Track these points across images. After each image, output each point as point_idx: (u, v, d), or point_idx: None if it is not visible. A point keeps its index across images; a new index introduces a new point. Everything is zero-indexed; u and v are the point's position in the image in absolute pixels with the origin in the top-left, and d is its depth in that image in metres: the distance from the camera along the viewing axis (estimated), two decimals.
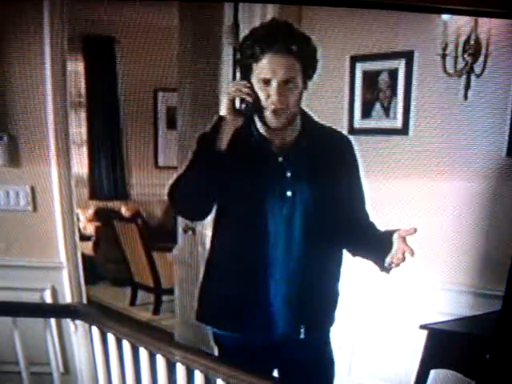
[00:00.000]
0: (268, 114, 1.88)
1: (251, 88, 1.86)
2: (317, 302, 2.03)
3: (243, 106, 1.85)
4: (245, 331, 2.02)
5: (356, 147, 2.05)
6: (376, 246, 1.98)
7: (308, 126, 1.98)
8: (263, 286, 1.98)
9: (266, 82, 1.85)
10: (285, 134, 1.94)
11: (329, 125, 2.06)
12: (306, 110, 1.99)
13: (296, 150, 1.95)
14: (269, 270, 1.97)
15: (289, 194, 1.95)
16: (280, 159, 1.94)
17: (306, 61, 1.88)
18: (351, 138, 2.09)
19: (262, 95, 1.86)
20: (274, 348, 2.03)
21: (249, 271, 1.98)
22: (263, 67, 1.84)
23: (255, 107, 1.87)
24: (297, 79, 1.87)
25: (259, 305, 1.99)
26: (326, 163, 1.97)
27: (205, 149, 1.92)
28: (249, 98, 1.85)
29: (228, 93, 1.88)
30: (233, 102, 1.86)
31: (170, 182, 1.98)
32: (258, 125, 1.94)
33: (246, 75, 1.89)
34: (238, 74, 1.98)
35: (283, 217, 1.96)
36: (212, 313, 2.08)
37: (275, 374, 2.15)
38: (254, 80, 1.87)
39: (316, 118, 2.02)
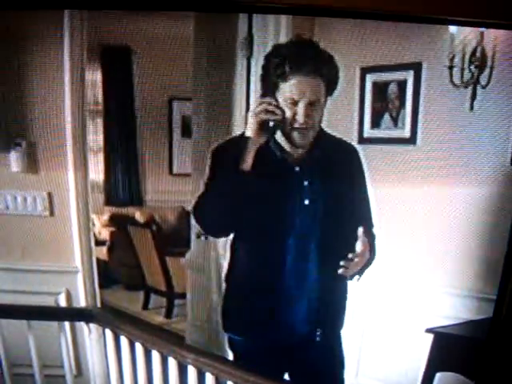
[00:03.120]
0: (294, 132, 1.91)
1: (278, 106, 1.88)
2: (332, 308, 2.09)
3: (271, 124, 1.87)
4: (265, 338, 2.06)
5: (364, 156, 2.10)
6: None
7: (320, 135, 2.00)
8: (283, 294, 2.03)
9: (293, 102, 1.88)
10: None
11: (336, 134, 2.09)
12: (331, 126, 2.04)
13: (311, 159, 1.99)
14: (288, 279, 2.01)
15: (306, 202, 1.99)
16: (297, 169, 1.98)
17: (330, 81, 1.92)
18: (360, 147, 2.16)
19: (288, 113, 1.89)
20: (289, 351, 2.07)
21: (269, 280, 2.02)
22: (291, 88, 1.87)
23: (282, 126, 1.89)
24: (322, 99, 1.91)
25: (280, 314, 2.03)
26: (337, 172, 2.02)
27: (227, 168, 1.94)
28: (278, 118, 1.88)
29: (256, 114, 1.89)
30: (262, 123, 1.88)
31: (194, 200, 2.01)
32: (281, 140, 1.96)
33: (271, 91, 1.91)
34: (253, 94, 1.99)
35: (301, 225, 2.00)
36: (236, 323, 2.12)
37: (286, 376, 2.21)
38: (279, 98, 1.89)
39: (326, 128, 2.04)
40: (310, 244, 2.01)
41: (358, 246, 1.92)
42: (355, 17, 2.17)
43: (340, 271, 1.92)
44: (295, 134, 1.91)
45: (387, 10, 2.05)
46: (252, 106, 1.98)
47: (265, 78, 1.94)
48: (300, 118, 1.88)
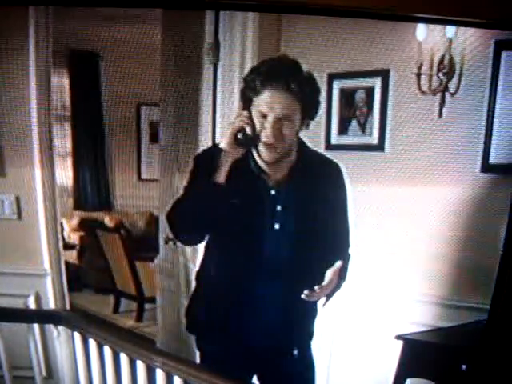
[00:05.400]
0: (261, 147, 1.91)
1: (251, 119, 1.89)
2: (301, 318, 2.09)
3: (240, 135, 1.88)
4: (232, 345, 2.06)
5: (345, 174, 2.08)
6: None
7: (303, 156, 2.00)
8: (251, 308, 2.02)
9: (263, 116, 1.88)
10: (280, 167, 1.97)
11: (321, 152, 2.11)
12: (302, 137, 2.00)
13: (289, 184, 1.98)
14: (255, 295, 2.00)
15: (277, 226, 1.98)
16: (273, 192, 1.97)
17: (306, 101, 1.90)
18: (328, 154, 2.13)
19: (258, 127, 1.89)
20: (256, 356, 2.07)
21: (237, 294, 2.02)
22: (261, 101, 1.87)
23: (252, 139, 1.89)
24: (294, 118, 1.89)
25: (248, 323, 2.02)
26: (316, 198, 2.00)
27: (204, 178, 1.94)
28: (248, 129, 1.88)
29: (233, 123, 1.92)
30: (235, 134, 1.89)
31: (168, 206, 2.00)
32: (256, 156, 1.96)
33: (247, 106, 1.92)
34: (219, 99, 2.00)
35: (270, 248, 1.99)
36: (201, 327, 2.12)
37: (255, 379, 2.21)
38: (253, 112, 1.90)
39: (310, 145, 2.04)
40: (279, 265, 2.00)
41: (326, 276, 1.93)
42: (325, 14, 2.14)
43: (303, 296, 1.92)
44: (262, 149, 1.91)
45: (359, 6, 2.03)
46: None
47: (243, 92, 1.94)
48: (268, 132, 1.88)
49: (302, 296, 1.92)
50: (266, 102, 1.86)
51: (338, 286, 1.99)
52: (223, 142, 1.90)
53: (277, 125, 1.86)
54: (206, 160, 1.98)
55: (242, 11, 2.54)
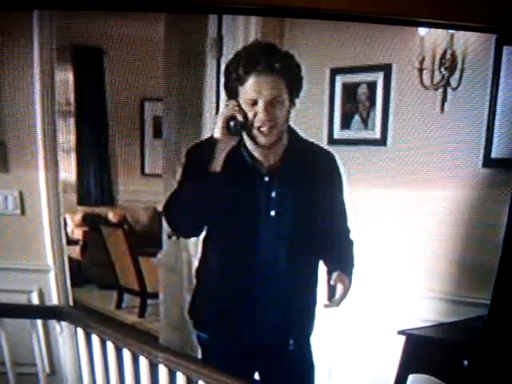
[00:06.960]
0: (256, 132, 1.93)
1: (240, 108, 1.91)
2: (304, 317, 2.12)
3: (232, 123, 1.90)
4: (234, 341, 2.08)
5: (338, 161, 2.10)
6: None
7: (294, 143, 2.02)
8: (251, 300, 2.04)
9: (253, 102, 1.90)
10: (272, 152, 1.99)
11: (313, 141, 2.10)
12: (293, 126, 2.03)
13: (282, 170, 2.00)
14: (255, 285, 2.03)
15: (272, 213, 2.00)
16: (266, 179, 1.99)
17: (290, 78, 1.93)
18: (331, 148, 2.15)
19: (249, 114, 1.91)
20: (257, 352, 2.09)
21: (236, 284, 2.04)
22: (248, 89, 1.90)
23: (245, 126, 1.92)
24: (283, 97, 1.92)
25: (249, 316, 2.05)
26: (310, 183, 2.03)
27: (197, 169, 1.96)
28: (238, 116, 1.90)
29: (222, 113, 1.94)
30: (227, 122, 1.91)
31: (164, 200, 2.03)
32: (248, 143, 1.98)
33: (234, 97, 1.94)
34: (222, 94, 2.02)
35: (267, 235, 2.01)
36: (203, 322, 2.15)
37: (256, 376, 2.22)
38: (241, 101, 1.92)
39: (301, 134, 2.06)
40: (278, 253, 2.03)
41: (338, 290, 2.02)
42: (325, 18, 2.18)
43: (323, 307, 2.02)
44: (257, 133, 1.93)
45: (358, 11, 2.06)
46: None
47: (226, 85, 1.96)
48: (260, 116, 1.90)
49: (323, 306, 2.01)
50: (254, 87, 1.89)
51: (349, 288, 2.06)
52: (216, 133, 1.92)
53: (268, 107, 1.89)
54: (198, 153, 2.01)
55: (245, 15, 2.57)
